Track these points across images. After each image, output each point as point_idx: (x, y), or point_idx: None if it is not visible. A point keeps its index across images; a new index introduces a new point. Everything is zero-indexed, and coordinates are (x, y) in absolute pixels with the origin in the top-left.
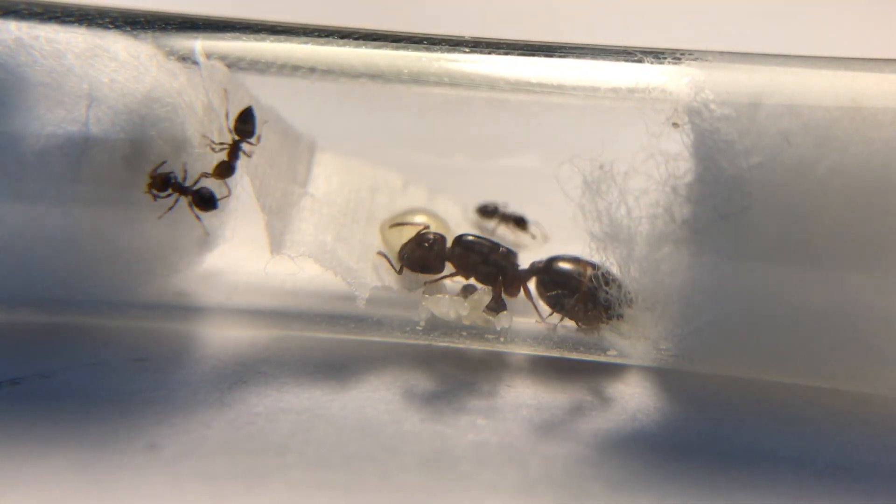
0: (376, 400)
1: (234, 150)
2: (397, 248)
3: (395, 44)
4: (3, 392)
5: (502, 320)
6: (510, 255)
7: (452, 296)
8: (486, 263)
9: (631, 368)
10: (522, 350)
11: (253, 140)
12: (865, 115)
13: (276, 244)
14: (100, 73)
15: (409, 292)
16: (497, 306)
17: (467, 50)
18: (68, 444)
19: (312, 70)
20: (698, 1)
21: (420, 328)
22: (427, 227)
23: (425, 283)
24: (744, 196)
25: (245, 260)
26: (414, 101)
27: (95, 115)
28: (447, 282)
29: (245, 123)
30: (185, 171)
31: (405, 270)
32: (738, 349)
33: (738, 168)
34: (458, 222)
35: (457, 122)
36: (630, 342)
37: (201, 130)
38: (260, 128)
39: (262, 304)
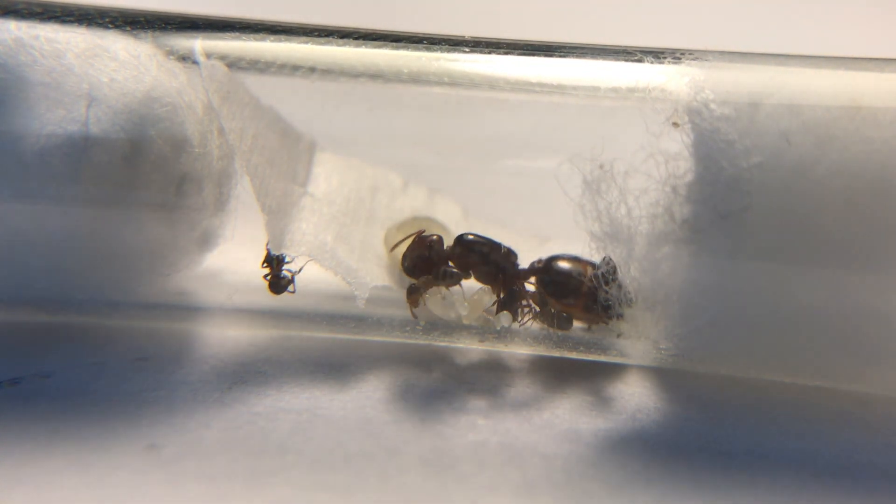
0: (376, 400)
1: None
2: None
3: (395, 44)
4: (3, 392)
5: (502, 320)
6: (510, 255)
7: (452, 296)
8: (487, 263)
9: (631, 368)
10: (522, 350)
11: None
12: (865, 115)
13: (276, 244)
14: (100, 73)
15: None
16: (510, 305)
17: (467, 50)
18: (68, 444)
19: (312, 70)
20: (698, 1)
21: (420, 328)
22: (423, 230)
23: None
24: (744, 196)
25: (245, 260)
26: (414, 101)
27: (95, 114)
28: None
29: None
30: None
31: (406, 276)
32: (738, 349)
33: (738, 168)
34: (457, 222)
35: (457, 122)
36: (630, 342)
37: (201, 130)
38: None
39: (262, 304)
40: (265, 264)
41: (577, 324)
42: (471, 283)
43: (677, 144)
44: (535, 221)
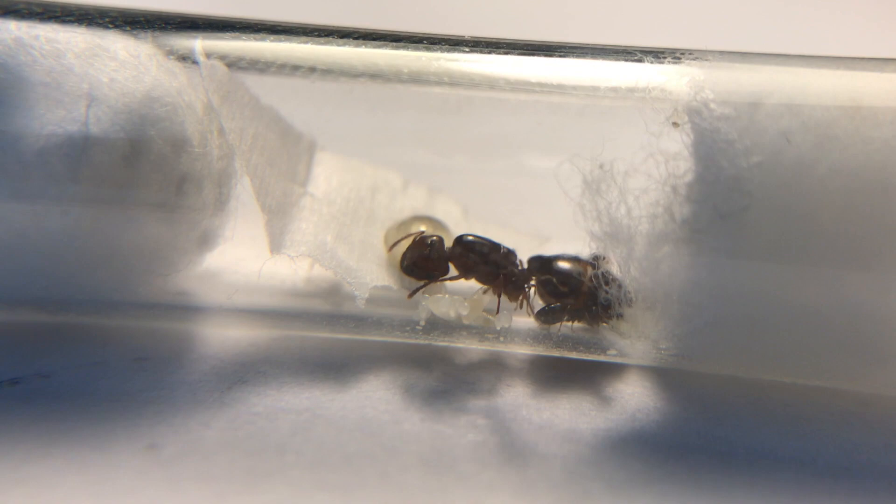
0: (376, 400)
1: None
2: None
3: (395, 44)
4: (3, 392)
5: (502, 320)
6: (510, 255)
7: (452, 296)
8: (486, 263)
9: (631, 368)
10: (522, 350)
11: None
12: (865, 115)
13: (276, 244)
14: (99, 73)
15: (409, 292)
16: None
17: (467, 50)
18: (68, 444)
19: (312, 70)
20: (698, 1)
21: (420, 328)
22: (422, 231)
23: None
24: (744, 195)
25: (245, 260)
26: (414, 101)
27: (95, 114)
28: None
29: None
30: None
31: (405, 276)
32: (738, 349)
33: (738, 167)
34: (457, 222)
35: (457, 122)
36: (630, 342)
37: (201, 130)
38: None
39: (262, 304)
40: None
41: (577, 324)
42: (471, 283)
43: (677, 144)
44: (535, 221)
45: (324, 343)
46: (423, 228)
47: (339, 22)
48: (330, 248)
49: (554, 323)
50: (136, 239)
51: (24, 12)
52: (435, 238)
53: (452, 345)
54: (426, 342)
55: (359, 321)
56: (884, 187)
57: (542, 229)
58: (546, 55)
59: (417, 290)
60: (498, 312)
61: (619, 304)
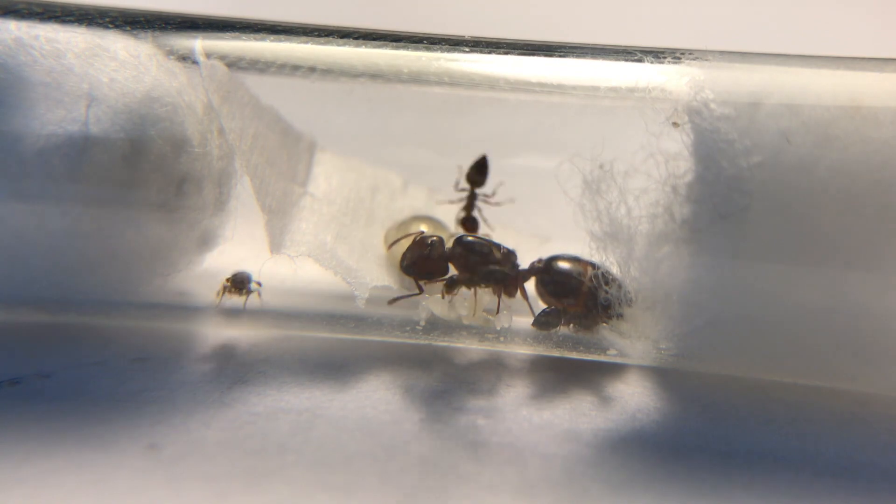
0: (376, 400)
1: (471, 202)
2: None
3: (395, 43)
4: (3, 392)
5: (502, 320)
6: (510, 255)
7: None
8: (486, 264)
9: (631, 368)
10: (522, 350)
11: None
12: (865, 115)
13: (276, 244)
14: (100, 73)
15: (409, 292)
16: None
17: (467, 49)
18: (68, 444)
19: (312, 70)
20: (698, 1)
21: (420, 328)
22: (422, 231)
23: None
24: (744, 195)
25: (245, 260)
26: (414, 101)
27: (95, 114)
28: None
29: (479, 174)
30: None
31: (405, 276)
32: (738, 349)
33: (738, 167)
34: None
35: (457, 122)
36: (630, 342)
37: (201, 130)
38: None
39: (262, 304)
40: None
41: (576, 328)
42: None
43: (677, 144)
44: (535, 221)
45: (324, 343)
46: (423, 228)
47: (339, 22)
48: (330, 248)
49: (550, 328)
50: (136, 239)
51: (24, 12)
52: (435, 238)
53: (452, 345)
54: (426, 342)
55: (359, 321)
56: (884, 187)
57: (542, 229)
58: (546, 55)
59: (401, 298)
60: (498, 312)
61: (619, 304)
